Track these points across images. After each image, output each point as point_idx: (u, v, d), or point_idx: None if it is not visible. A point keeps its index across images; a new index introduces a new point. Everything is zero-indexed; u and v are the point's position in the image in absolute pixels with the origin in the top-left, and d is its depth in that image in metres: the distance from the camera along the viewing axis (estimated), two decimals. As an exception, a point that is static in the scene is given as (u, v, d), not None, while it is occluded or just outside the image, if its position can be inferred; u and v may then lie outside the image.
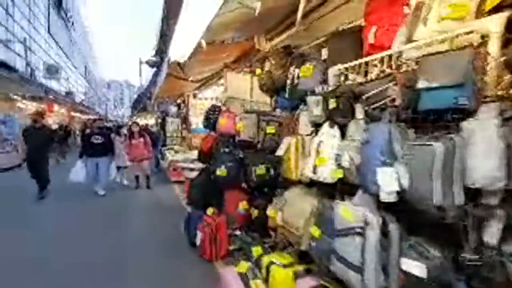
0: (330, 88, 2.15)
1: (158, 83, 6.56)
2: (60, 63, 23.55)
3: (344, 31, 2.27)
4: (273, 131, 3.24)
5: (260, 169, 3.04)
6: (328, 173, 1.92)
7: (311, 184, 2.37)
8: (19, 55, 16.70)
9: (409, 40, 1.64)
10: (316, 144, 2.02)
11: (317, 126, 2.23)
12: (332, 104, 1.88)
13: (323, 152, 1.94)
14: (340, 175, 1.84)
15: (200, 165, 5.82)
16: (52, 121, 16.87)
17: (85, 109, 26.93)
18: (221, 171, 2.97)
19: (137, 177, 6.38)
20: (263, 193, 3.27)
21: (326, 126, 2.02)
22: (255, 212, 3.16)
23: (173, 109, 11.05)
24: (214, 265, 2.86)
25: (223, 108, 3.31)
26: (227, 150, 3.20)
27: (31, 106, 13.53)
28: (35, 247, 3.37)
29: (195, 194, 3.21)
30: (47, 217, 4.47)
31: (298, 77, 2.76)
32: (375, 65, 1.84)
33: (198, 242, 2.89)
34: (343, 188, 2.01)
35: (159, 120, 11.78)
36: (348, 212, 1.66)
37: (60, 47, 25.75)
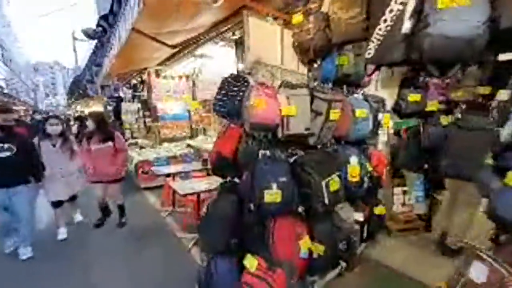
0: None
1: (107, 56, 4.63)
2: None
3: None
4: (337, 117, 2.00)
5: (334, 182, 1.80)
6: None
7: None
8: None
9: None
10: None
11: None
12: None
13: None
14: None
15: (188, 166, 4.28)
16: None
17: (7, 98, 21.78)
18: (273, 195, 1.63)
19: (104, 209, 3.68)
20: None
21: None
22: (318, 249, 1.93)
23: (127, 92, 8.90)
24: None
25: (251, 81, 1.90)
26: (268, 154, 1.85)
27: None
28: None
29: (216, 234, 1.82)
30: None
31: (418, 12, 1.49)
32: None
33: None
34: None
35: (109, 108, 9.50)
36: None
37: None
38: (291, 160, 1.87)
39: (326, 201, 1.75)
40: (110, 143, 3.34)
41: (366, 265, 2.70)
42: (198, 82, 6.88)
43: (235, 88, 1.83)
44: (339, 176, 1.88)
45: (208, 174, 4.24)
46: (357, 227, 2.46)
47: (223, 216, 1.79)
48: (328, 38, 2.14)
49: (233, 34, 4.31)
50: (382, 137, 3.20)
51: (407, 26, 1.58)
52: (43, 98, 61.81)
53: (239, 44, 4.89)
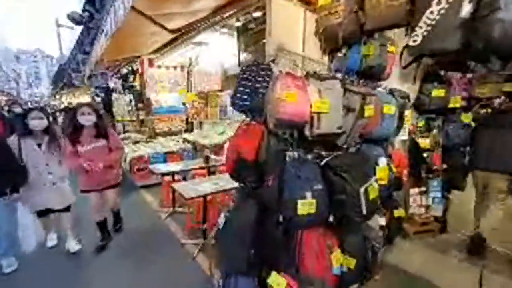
0: None
1: (98, 41, 4.24)
2: None
3: None
4: (372, 113, 1.78)
5: (373, 189, 1.59)
6: None
7: None
8: None
9: None
10: None
11: None
12: None
13: None
14: None
15: (188, 163, 3.94)
16: None
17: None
18: (307, 205, 1.40)
19: (102, 225, 2.98)
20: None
21: None
22: (350, 262, 1.73)
23: (117, 82, 8.42)
24: None
25: (275, 69, 1.64)
26: (296, 156, 1.61)
27: None
28: None
29: (237, 249, 1.58)
30: None
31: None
32: None
33: None
34: None
35: (98, 99, 8.99)
36: None
37: None
38: (322, 163, 1.63)
39: (364, 210, 1.53)
40: (104, 141, 2.74)
41: (384, 270, 2.56)
42: (194, 73, 6.52)
43: (259, 79, 1.56)
44: (376, 181, 1.66)
45: (210, 172, 3.99)
46: (381, 233, 2.28)
47: (246, 228, 1.55)
48: (360, 22, 1.90)
49: (237, 20, 4.00)
50: (401, 135, 3.01)
51: (466, 9, 1.34)
52: (25, 88, 59.08)
53: (242, 32, 4.58)
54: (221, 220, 1.62)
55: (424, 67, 3.08)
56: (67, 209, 2.83)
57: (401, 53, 2.20)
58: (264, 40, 4.41)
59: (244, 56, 4.90)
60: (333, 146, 1.84)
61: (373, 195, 1.57)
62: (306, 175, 1.46)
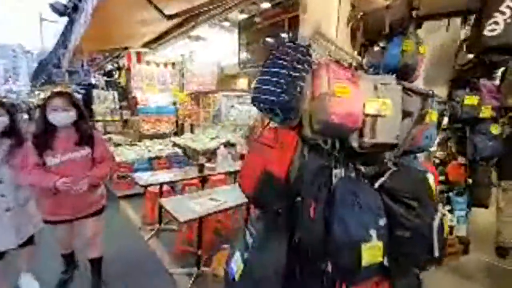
0: None
1: (78, 21, 3.70)
2: None
3: None
4: (434, 119, 1.43)
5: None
6: None
7: None
8: None
9: None
10: None
11: None
12: None
13: None
14: None
15: (179, 172, 3.36)
16: None
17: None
18: (371, 250, 0.95)
19: (67, 256, 2.22)
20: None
21: None
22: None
23: (100, 79, 7.77)
24: None
25: (313, 54, 1.20)
26: (343, 174, 1.18)
27: None
28: None
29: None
30: None
31: None
32: None
33: None
34: None
35: (78, 96, 8.27)
36: None
37: None
38: (376, 184, 1.20)
39: (437, 251, 1.11)
40: (88, 150, 1.90)
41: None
42: (187, 71, 6.03)
43: (298, 65, 1.12)
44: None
45: (202, 181, 3.50)
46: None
47: (274, 278, 1.08)
48: (411, 6, 1.53)
49: (242, 11, 3.58)
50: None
51: None
52: (2, 84, 55.73)
53: (245, 27, 4.16)
54: (236, 263, 1.15)
55: (452, 72, 2.81)
56: (24, 245, 1.97)
57: (459, 47, 1.86)
58: (267, 39, 4.03)
59: (245, 55, 4.47)
60: (370, 161, 1.43)
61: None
62: (368, 204, 1.02)
